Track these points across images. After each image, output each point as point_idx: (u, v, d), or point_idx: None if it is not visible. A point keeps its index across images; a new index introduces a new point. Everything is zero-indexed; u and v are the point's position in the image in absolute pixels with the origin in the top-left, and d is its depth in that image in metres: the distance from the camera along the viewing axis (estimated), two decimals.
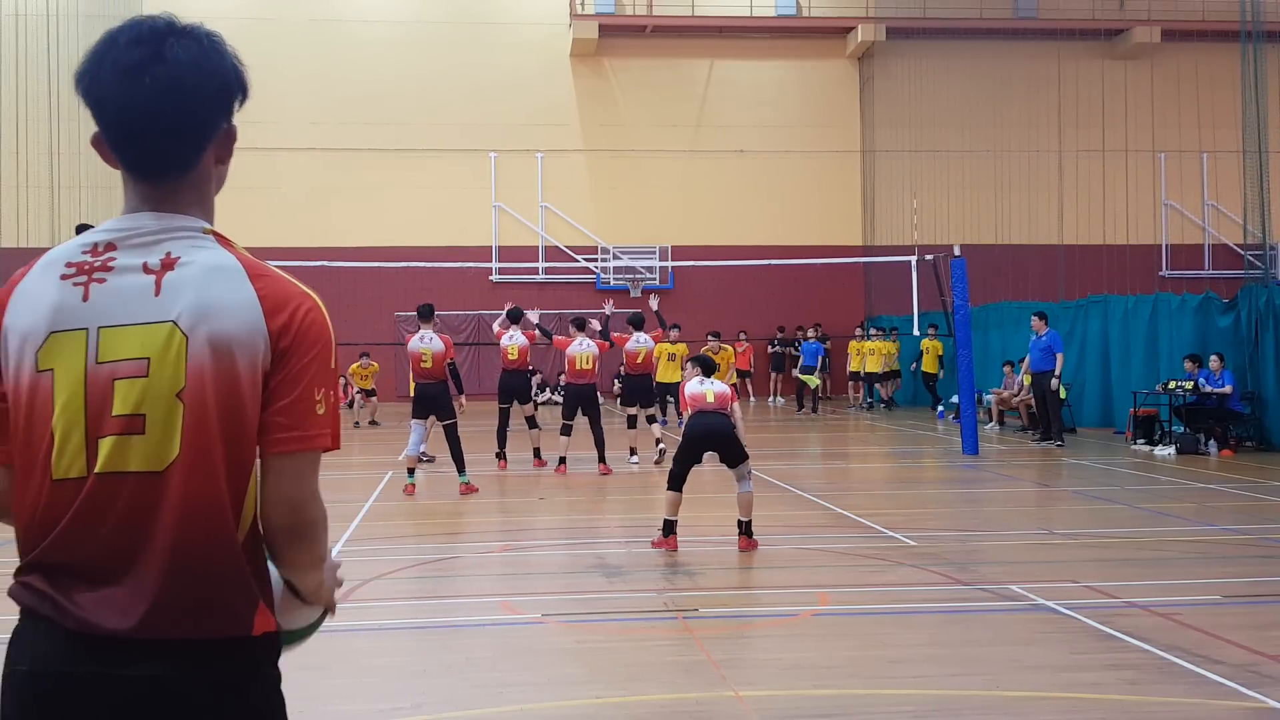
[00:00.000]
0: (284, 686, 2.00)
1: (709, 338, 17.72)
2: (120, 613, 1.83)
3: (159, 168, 1.96)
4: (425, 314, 12.86)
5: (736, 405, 9.57)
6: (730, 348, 18.56)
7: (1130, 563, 8.38)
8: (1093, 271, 29.34)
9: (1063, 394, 18.11)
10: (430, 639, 6.54)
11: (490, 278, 29.99)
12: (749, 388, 29.70)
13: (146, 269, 1.91)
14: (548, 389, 28.23)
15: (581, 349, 14.54)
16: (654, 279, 29.86)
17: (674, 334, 17.17)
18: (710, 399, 9.35)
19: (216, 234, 1.99)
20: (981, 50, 32.14)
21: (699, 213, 31.37)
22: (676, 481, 9.10)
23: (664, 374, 16.44)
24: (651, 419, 15.73)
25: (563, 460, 14.33)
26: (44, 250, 2.04)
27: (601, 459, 14.33)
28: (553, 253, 31.25)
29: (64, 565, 1.87)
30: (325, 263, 22.56)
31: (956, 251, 16.66)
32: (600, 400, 15.32)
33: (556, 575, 8.12)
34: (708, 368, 9.79)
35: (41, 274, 1.94)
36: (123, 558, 1.85)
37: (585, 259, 30.89)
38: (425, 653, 6.14)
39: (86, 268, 1.92)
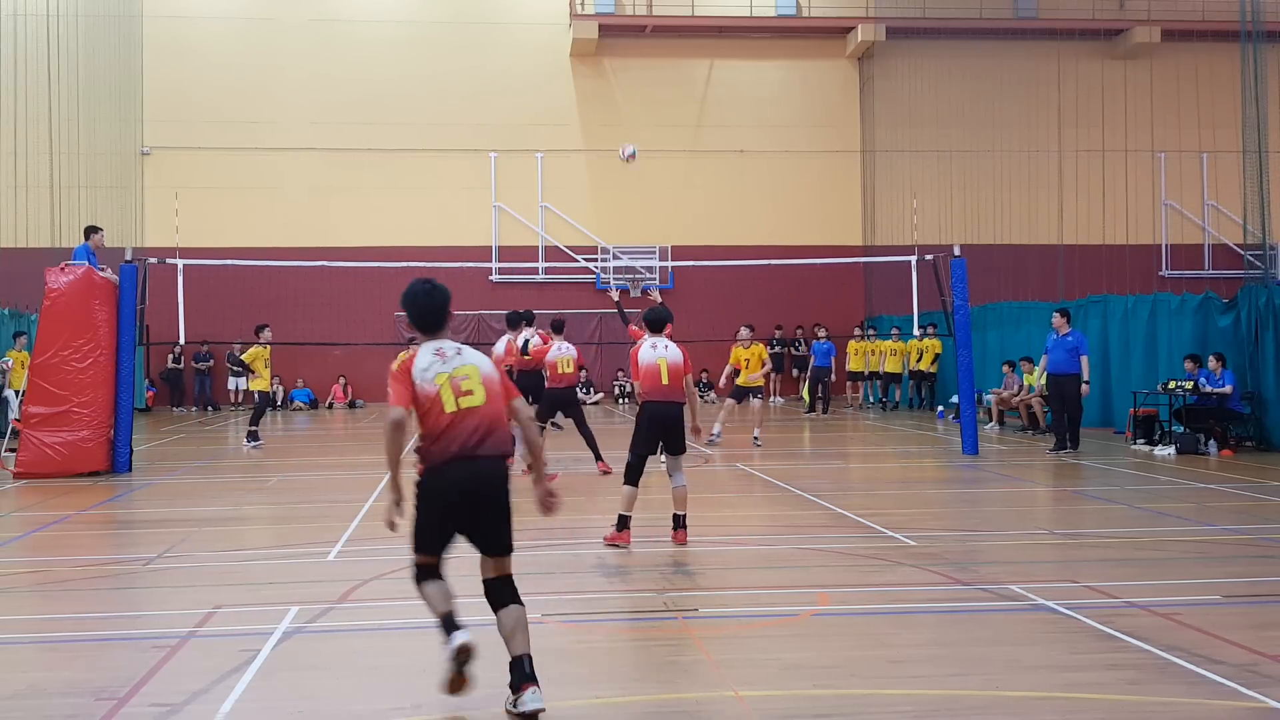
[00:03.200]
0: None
1: (743, 329, 17.28)
2: (482, 448, 5.23)
3: (442, 328, 5.44)
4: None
5: (690, 377, 9.26)
6: (761, 344, 18.01)
7: (1130, 563, 8.38)
8: (1092, 271, 29.33)
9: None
10: (430, 639, 6.51)
11: (490, 278, 30.00)
12: None
13: (459, 353, 5.37)
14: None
15: (561, 353, 14.35)
16: (654, 279, 29.84)
17: None
18: (665, 379, 9.01)
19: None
20: (981, 50, 32.16)
21: (699, 213, 31.38)
22: (634, 475, 9.04)
23: None
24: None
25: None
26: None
27: (598, 457, 14.27)
28: (553, 253, 31.26)
29: (455, 438, 5.23)
30: (325, 263, 22.56)
31: (956, 251, 16.61)
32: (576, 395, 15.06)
33: (556, 575, 8.10)
34: (656, 324, 9.25)
35: (423, 353, 5.30)
36: (475, 434, 5.25)
37: (585, 259, 30.88)
38: (425, 653, 6.12)
39: (441, 354, 5.31)
